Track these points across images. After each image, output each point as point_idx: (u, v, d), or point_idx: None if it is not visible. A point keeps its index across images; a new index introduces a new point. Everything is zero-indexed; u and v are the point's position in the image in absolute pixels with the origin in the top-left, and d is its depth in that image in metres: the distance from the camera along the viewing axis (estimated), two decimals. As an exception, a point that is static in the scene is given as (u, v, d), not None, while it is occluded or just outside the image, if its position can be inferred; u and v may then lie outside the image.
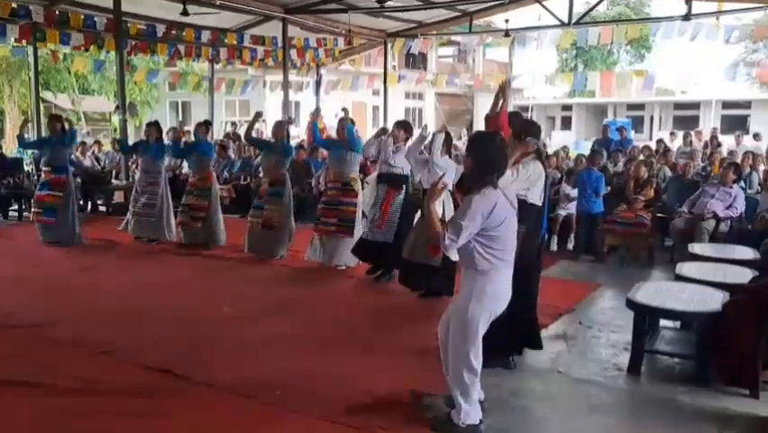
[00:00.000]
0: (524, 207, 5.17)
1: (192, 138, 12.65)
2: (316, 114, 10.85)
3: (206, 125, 11.44)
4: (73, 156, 13.77)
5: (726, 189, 9.76)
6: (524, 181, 5.32)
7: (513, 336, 5.56)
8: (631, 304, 5.67)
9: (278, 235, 10.05)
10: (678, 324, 6.44)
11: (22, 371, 5.51)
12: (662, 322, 6.32)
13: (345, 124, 9.29)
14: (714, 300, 5.53)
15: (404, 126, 8.74)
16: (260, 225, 10.01)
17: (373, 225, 8.67)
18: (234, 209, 13.16)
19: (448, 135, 8.25)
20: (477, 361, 4.44)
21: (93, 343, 6.21)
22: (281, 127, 10.42)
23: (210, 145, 11.61)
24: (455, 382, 4.50)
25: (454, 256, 4.34)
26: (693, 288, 6.01)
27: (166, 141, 11.82)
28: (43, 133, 15.22)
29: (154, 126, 11.58)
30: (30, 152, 15.51)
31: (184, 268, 9.65)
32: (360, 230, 9.19)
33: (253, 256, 10.08)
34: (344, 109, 11.27)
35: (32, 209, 11.23)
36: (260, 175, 10.36)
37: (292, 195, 10.25)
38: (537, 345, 5.98)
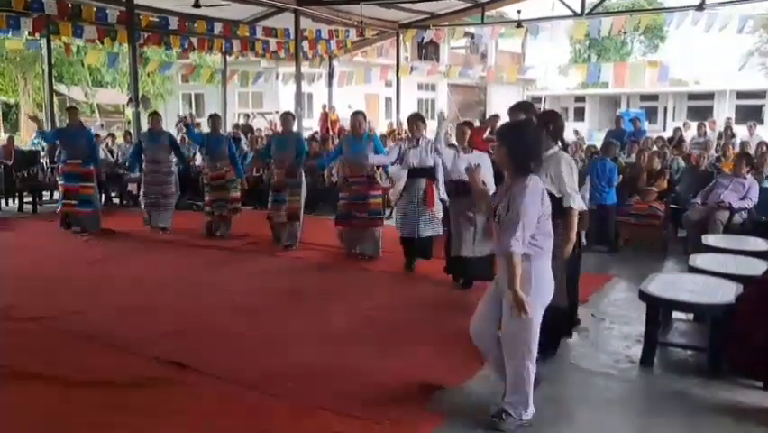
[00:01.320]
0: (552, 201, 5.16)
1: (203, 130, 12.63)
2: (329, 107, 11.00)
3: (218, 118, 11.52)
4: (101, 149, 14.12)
5: (740, 180, 9.68)
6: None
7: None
8: (644, 296, 5.64)
9: (299, 225, 10.32)
10: (691, 316, 6.42)
11: (29, 362, 5.54)
12: (675, 314, 6.30)
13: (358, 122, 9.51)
14: (727, 292, 5.49)
15: (421, 119, 8.80)
16: (287, 217, 10.19)
17: (425, 220, 8.70)
18: (246, 201, 13.20)
19: (470, 124, 8.40)
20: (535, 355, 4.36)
21: (101, 335, 6.24)
22: (288, 119, 10.51)
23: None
24: (517, 379, 4.38)
25: (520, 250, 4.09)
26: (706, 279, 5.97)
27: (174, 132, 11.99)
28: (58, 125, 15.42)
29: (157, 116, 11.87)
30: (45, 144, 15.65)
31: (194, 260, 9.67)
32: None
33: (272, 247, 10.23)
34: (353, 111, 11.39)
35: (64, 201, 11.33)
36: (273, 168, 10.41)
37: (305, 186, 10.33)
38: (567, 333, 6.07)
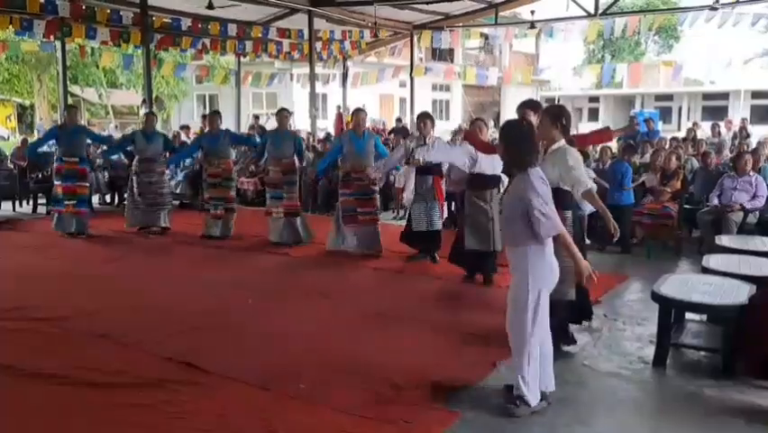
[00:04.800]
0: (560, 194, 5.35)
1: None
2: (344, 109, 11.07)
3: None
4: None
5: (745, 179, 9.61)
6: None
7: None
8: (656, 297, 5.61)
9: (302, 220, 10.42)
10: (704, 317, 6.38)
11: (43, 362, 5.55)
12: (689, 315, 6.27)
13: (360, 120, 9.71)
14: (740, 293, 5.46)
15: (430, 118, 9.08)
16: (284, 214, 10.24)
17: (437, 214, 9.04)
18: (260, 201, 13.21)
19: (481, 120, 8.57)
20: (536, 342, 4.57)
21: (114, 335, 6.25)
22: (282, 116, 10.58)
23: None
24: (517, 364, 4.63)
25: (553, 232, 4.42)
26: (719, 280, 5.94)
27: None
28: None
29: (154, 115, 12.08)
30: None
31: (206, 259, 9.72)
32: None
33: (279, 246, 10.18)
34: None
35: (66, 201, 11.04)
36: (269, 165, 10.42)
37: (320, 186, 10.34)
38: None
